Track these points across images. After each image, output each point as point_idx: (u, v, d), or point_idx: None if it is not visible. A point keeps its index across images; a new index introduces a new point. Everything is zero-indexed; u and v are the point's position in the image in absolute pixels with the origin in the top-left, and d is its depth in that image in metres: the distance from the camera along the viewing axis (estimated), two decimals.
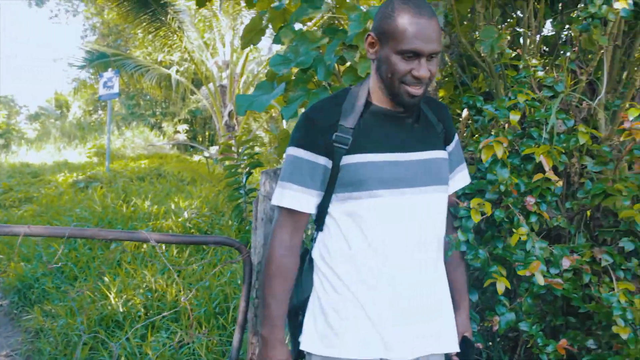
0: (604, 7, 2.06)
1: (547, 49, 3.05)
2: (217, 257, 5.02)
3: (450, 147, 1.76)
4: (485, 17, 2.74)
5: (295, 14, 2.32)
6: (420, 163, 1.60)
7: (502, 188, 2.00)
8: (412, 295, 1.58)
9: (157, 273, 4.60)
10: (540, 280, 1.91)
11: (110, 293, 4.24)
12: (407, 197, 1.56)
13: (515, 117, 2.12)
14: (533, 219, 2.05)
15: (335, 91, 1.70)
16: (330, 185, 1.57)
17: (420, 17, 1.44)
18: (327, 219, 1.62)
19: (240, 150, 4.48)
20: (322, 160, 1.55)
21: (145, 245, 5.19)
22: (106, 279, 4.53)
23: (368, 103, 1.60)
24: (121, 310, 3.99)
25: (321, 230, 1.65)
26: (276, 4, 2.65)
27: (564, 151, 2.09)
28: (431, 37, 1.45)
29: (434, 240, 1.63)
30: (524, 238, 1.98)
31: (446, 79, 3.36)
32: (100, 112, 22.24)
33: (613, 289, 2.02)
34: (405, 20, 1.44)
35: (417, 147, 1.60)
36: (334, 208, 1.59)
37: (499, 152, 1.95)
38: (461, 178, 1.83)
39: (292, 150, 1.59)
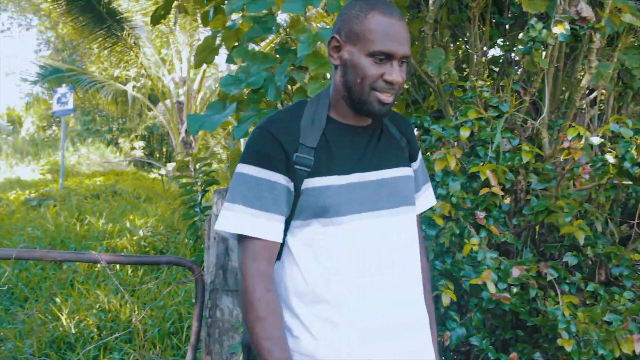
0: (544, 31, 2.15)
1: (496, 69, 3.15)
2: (172, 276, 4.96)
3: (415, 165, 1.63)
4: (435, 37, 2.82)
5: (247, 35, 2.35)
6: (387, 182, 1.46)
7: (454, 200, 2.06)
8: (388, 316, 1.42)
9: (111, 293, 4.52)
10: (491, 288, 1.96)
11: (62, 314, 4.15)
12: (375, 221, 1.42)
13: (465, 133, 2.17)
14: (483, 233, 2.11)
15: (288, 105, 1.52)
16: (290, 211, 1.41)
17: (391, 17, 1.34)
18: (285, 249, 1.44)
19: (196, 168, 4.47)
20: (284, 181, 1.37)
21: (98, 265, 5.10)
22: (58, 299, 4.43)
23: (328, 118, 1.45)
24: (73, 331, 3.90)
25: (279, 259, 1.47)
26: (229, 23, 2.67)
27: (509, 169, 2.16)
28: (403, 39, 1.35)
29: (406, 261, 1.48)
30: (475, 248, 2.03)
31: (400, 96, 3.43)
32: (54, 127, 21.76)
33: (558, 303, 2.09)
34: (376, 20, 1.33)
35: (382, 165, 1.47)
36: (290, 237, 1.42)
37: (452, 164, 2.00)
38: (426, 197, 1.70)
39: (249, 169, 1.38)
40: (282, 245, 1.44)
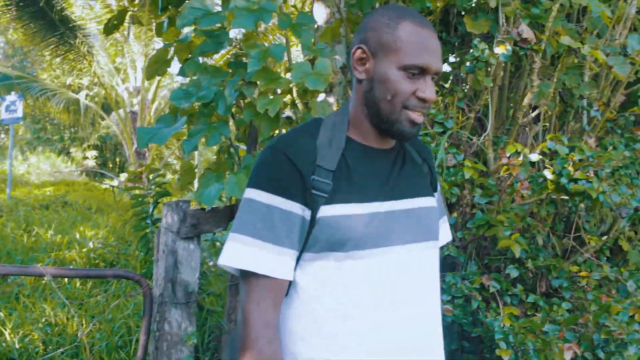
0: (486, 51, 2.23)
1: (446, 86, 3.24)
2: (122, 289, 4.89)
3: (436, 194, 1.46)
4: None
5: (199, 49, 2.36)
6: (411, 213, 1.30)
7: None
8: (402, 340, 1.26)
9: (58, 306, 4.41)
10: None
11: (5, 329, 4.03)
12: (401, 257, 1.25)
13: None
14: None
15: (303, 122, 1.36)
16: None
17: (425, 28, 1.21)
18: (291, 285, 1.27)
19: (149, 179, 4.43)
20: (299, 209, 1.20)
21: (45, 277, 4.98)
22: (1, 314, 4.30)
23: (347, 139, 1.29)
24: (17, 346, 3.80)
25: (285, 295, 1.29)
26: (182, 36, 2.68)
27: (451, 184, 2.23)
28: (437, 52, 1.22)
29: (428, 295, 1.31)
30: None
31: None
32: (2, 136, 21.17)
33: (500, 314, 2.16)
34: (409, 31, 1.20)
35: (406, 193, 1.30)
36: (299, 271, 1.24)
37: None
38: (444, 230, 1.53)
39: (259, 196, 1.20)
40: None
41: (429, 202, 1.35)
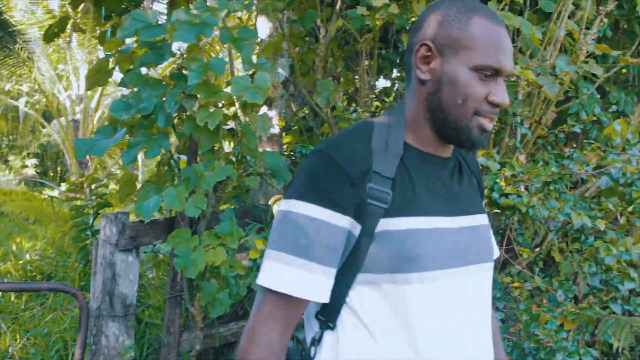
0: None
1: (387, 101, 3.31)
2: (59, 302, 4.76)
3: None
4: (328, 69, 2.94)
5: (140, 60, 2.35)
6: (477, 231, 1.18)
7: None
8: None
9: None
10: None
11: None
12: (462, 279, 1.11)
13: None
14: None
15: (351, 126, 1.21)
16: (354, 260, 1.06)
17: (499, 25, 1.08)
18: (344, 312, 1.09)
19: (91, 189, 4.34)
20: (347, 224, 1.04)
21: None
22: None
23: (404, 144, 1.13)
24: None
25: (332, 328, 1.10)
26: (123, 47, 2.66)
27: None
28: (511, 52, 1.09)
29: (485, 322, 1.18)
30: None
31: (295, 124, 3.52)
32: None
33: None
34: (483, 27, 1.06)
35: (468, 209, 1.18)
36: (356, 295, 1.08)
37: None
38: (494, 248, 1.34)
39: (302, 207, 1.04)
40: (342, 305, 1.09)
41: (485, 219, 1.23)
